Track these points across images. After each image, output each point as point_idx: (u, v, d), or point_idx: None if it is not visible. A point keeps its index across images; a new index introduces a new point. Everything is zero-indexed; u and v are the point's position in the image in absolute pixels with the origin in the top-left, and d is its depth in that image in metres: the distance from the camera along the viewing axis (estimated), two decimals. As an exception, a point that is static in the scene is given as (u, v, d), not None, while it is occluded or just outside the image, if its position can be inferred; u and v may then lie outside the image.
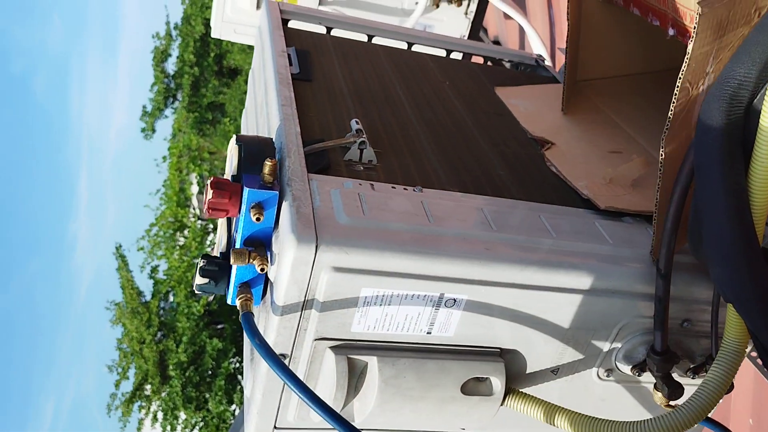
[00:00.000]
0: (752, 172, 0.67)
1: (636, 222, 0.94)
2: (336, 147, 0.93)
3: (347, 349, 0.79)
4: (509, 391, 0.86)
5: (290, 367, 0.80)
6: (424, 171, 0.96)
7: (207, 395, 8.27)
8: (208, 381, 8.34)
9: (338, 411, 0.80)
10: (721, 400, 0.97)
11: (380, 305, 0.77)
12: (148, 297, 8.60)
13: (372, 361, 0.80)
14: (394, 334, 0.80)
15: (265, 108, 1.06)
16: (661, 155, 0.79)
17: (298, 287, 0.74)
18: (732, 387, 0.88)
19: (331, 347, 0.79)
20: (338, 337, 0.79)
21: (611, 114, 1.21)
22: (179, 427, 8.89)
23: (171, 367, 8.18)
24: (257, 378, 0.83)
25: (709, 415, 0.94)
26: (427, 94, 1.22)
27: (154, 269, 8.37)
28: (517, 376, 0.88)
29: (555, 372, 0.89)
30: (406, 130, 1.06)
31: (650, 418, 0.77)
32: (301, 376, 0.81)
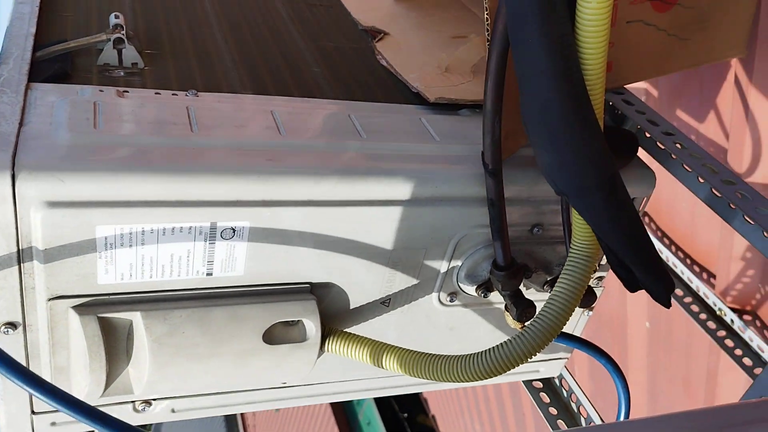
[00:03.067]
0: (580, 19, 0.51)
1: (474, 114, 0.77)
2: (89, 48, 0.73)
3: (98, 306, 0.61)
4: (330, 332, 0.70)
5: (29, 337, 0.61)
6: (213, 74, 0.76)
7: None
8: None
9: (101, 383, 0.62)
10: (589, 315, 0.84)
11: (131, 246, 0.59)
12: None
13: (136, 318, 0.62)
14: (162, 281, 0.62)
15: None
16: (487, 19, 0.62)
17: (2, 233, 0.54)
18: (594, 299, 0.75)
19: (74, 306, 0.60)
20: (83, 293, 0.60)
21: (457, -4, 1.04)
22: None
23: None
24: (-3, 356, 0.64)
25: (586, 335, 0.81)
26: (237, -13, 1.01)
27: None
28: (338, 315, 0.71)
29: (386, 304, 0.73)
30: (198, 29, 0.86)
31: (489, 348, 0.62)
32: (45, 347, 0.62)
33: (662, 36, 0.79)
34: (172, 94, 0.68)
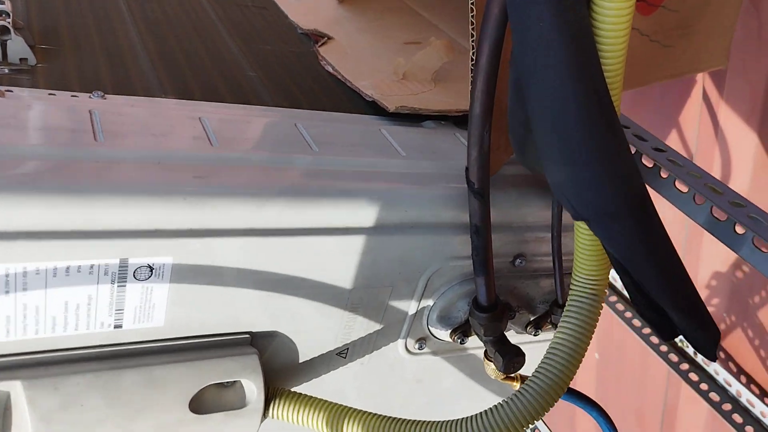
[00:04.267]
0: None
1: (441, 126, 0.66)
2: (-41, 41, 0.57)
3: (-36, 374, 0.45)
4: (275, 393, 0.56)
5: None
6: (125, 75, 0.62)
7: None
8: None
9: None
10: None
11: (7, 293, 0.44)
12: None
13: (15, 389, 0.46)
14: (52, 337, 0.47)
15: None
16: (471, 5, 0.51)
17: None
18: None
19: (-70, 375, 0.45)
20: (-58, 357, 0.45)
21: (406, 0, 0.93)
22: None
23: None
24: None
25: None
26: (155, -17, 0.87)
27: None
28: (285, 371, 0.58)
29: (343, 355, 0.60)
30: (107, 25, 0.71)
31: (483, 412, 0.50)
32: None
33: (645, 42, 0.71)
34: (71, 96, 0.54)
